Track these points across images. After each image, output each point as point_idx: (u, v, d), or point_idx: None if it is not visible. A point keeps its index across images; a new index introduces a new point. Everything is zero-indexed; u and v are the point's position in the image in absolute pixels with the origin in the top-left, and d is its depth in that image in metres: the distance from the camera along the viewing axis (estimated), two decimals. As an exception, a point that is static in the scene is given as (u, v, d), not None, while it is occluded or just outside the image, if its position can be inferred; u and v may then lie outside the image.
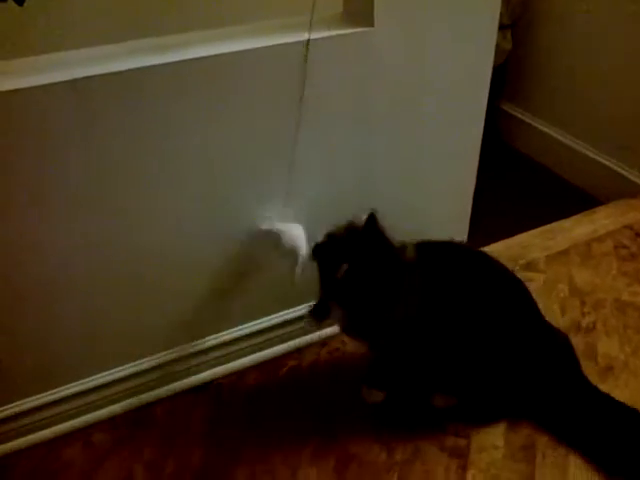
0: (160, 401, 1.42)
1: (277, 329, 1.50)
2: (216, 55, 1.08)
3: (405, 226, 1.14)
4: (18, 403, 1.29)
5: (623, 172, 2.14)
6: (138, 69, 1.04)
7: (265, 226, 1.26)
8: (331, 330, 1.57)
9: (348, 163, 1.33)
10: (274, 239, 1.24)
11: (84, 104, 1.02)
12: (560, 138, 2.34)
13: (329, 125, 1.25)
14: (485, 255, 1.32)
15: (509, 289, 1.30)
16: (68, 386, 1.33)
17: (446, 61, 1.30)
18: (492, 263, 1.30)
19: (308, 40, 1.10)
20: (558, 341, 1.44)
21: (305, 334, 1.54)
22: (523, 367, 1.29)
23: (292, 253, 1.22)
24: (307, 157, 1.26)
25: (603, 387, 1.43)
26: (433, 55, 1.27)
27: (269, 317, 1.47)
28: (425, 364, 1.27)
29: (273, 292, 1.43)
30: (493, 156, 1.49)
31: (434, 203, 1.43)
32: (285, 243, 1.23)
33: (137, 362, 1.37)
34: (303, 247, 1.22)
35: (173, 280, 1.29)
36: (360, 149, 1.32)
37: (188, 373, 1.43)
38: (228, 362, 1.47)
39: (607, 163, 2.19)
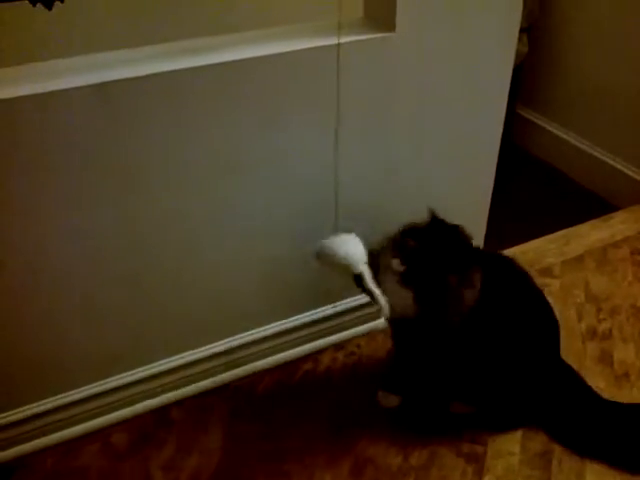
0: (178, 403, 1.43)
1: (294, 332, 1.50)
2: (248, 59, 1.09)
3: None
4: (37, 404, 1.31)
5: (638, 177, 2.14)
6: (168, 72, 1.04)
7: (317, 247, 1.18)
8: (347, 333, 1.58)
9: (374, 169, 1.34)
10: (328, 258, 1.17)
11: (111, 109, 1.03)
12: (575, 143, 2.34)
13: (359, 130, 1.26)
14: (524, 274, 1.31)
15: (536, 308, 1.30)
16: (87, 387, 1.34)
17: (466, 66, 1.30)
18: (525, 280, 1.30)
19: (338, 43, 1.11)
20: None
21: (320, 338, 1.55)
22: (540, 380, 1.30)
23: (349, 267, 1.16)
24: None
25: (619, 394, 1.44)
26: (453, 59, 1.28)
27: (286, 320, 1.48)
28: (450, 370, 1.28)
29: (291, 295, 1.44)
30: (507, 160, 1.50)
31: (451, 207, 1.43)
32: (341, 259, 1.16)
33: (155, 364, 1.38)
34: (362, 258, 1.17)
35: (193, 281, 1.31)
36: (384, 155, 1.33)
37: (206, 375, 1.44)
38: (246, 364, 1.48)
39: (623, 168, 2.18)
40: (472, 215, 1.58)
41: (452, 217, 1.43)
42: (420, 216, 1.20)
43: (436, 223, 1.19)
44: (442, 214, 1.21)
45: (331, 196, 1.28)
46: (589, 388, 1.42)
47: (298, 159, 1.25)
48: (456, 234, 1.18)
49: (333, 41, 1.12)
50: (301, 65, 1.14)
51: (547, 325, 1.30)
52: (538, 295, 1.30)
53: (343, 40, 1.12)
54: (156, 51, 1.11)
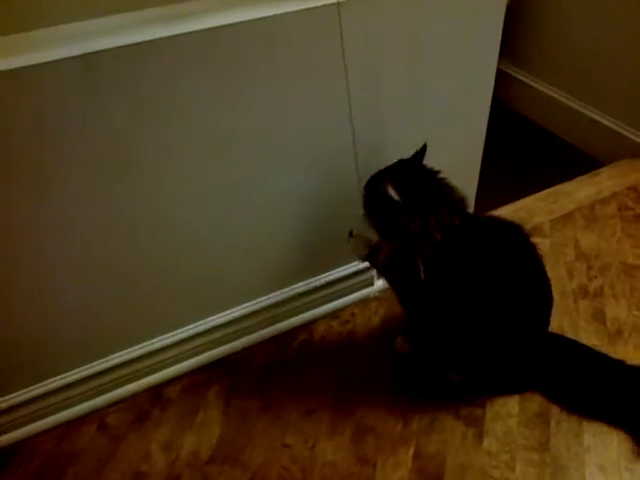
0: (176, 379, 1.41)
1: (288, 302, 1.49)
2: (242, 22, 1.04)
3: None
4: (32, 387, 1.29)
5: (624, 132, 2.12)
6: (158, 39, 0.99)
7: None
8: (341, 302, 1.57)
9: (366, 122, 1.30)
10: None
11: (96, 80, 0.98)
12: (560, 98, 2.31)
13: (362, 85, 1.23)
14: (517, 228, 1.27)
15: (528, 265, 1.27)
16: (81, 369, 1.32)
17: (456, 22, 1.26)
18: (520, 237, 1.27)
19: (338, 2, 1.08)
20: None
21: (316, 307, 1.53)
22: (533, 342, 1.30)
23: None
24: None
25: (613, 351, 1.44)
26: (442, 17, 1.24)
27: (280, 291, 1.46)
28: (445, 330, 1.27)
29: (285, 266, 1.42)
30: (491, 117, 1.47)
31: (443, 167, 1.42)
32: None
33: (149, 342, 1.36)
34: None
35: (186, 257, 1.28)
36: (376, 108, 1.29)
37: (202, 350, 1.43)
38: (242, 337, 1.47)
39: (608, 124, 2.17)
40: (464, 174, 1.56)
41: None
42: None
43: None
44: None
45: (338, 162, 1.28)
46: (583, 345, 1.43)
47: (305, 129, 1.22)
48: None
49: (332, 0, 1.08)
50: (301, 26, 1.09)
51: (540, 289, 1.29)
52: (534, 259, 1.29)
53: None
54: (143, 17, 1.05)
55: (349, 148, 1.29)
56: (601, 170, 2.06)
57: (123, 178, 1.10)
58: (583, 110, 2.23)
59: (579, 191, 1.97)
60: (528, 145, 2.34)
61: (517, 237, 1.24)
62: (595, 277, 1.66)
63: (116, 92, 1.00)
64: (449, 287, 1.18)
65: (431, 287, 1.18)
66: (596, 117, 2.20)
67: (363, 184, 1.21)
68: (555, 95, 2.33)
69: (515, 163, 2.23)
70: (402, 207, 1.13)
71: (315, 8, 1.08)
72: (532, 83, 2.42)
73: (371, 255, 1.30)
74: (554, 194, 1.96)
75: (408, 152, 1.22)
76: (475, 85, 1.41)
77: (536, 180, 2.05)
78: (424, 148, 1.20)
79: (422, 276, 1.14)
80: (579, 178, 2.02)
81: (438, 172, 1.20)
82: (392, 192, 1.13)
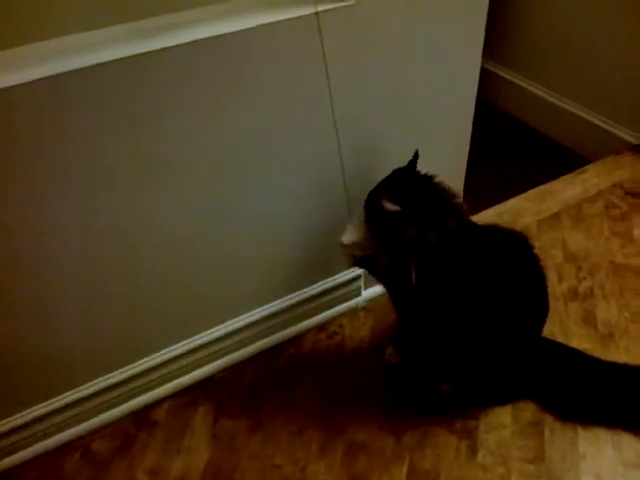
0: (161, 401, 1.38)
1: (274, 317, 1.45)
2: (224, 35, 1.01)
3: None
4: (16, 416, 1.24)
5: (609, 128, 2.11)
6: (132, 57, 0.95)
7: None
8: (329, 313, 1.54)
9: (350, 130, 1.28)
10: None
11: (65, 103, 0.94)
12: (544, 96, 2.29)
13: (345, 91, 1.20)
14: (521, 239, 1.25)
15: (524, 274, 1.23)
16: (61, 397, 1.28)
17: (438, 22, 1.23)
18: (522, 247, 1.24)
19: (317, 12, 1.06)
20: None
21: (303, 320, 1.50)
22: (525, 351, 1.28)
23: None
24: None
25: (605, 355, 1.42)
26: (426, 18, 1.21)
27: (266, 306, 1.43)
28: (438, 338, 1.25)
29: (271, 280, 1.40)
30: (476, 117, 1.45)
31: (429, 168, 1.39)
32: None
33: (131, 365, 1.33)
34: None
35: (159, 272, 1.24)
36: (361, 113, 1.26)
37: (187, 370, 1.39)
38: (227, 355, 1.43)
39: (593, 120, 2.15)
40: (450, 176, 1.52)
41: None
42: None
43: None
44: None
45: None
46: (575, 350, 1.41)
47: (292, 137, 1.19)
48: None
49: (310, 10, 1.05)
50: (283, 37, 1.06)
51: (535, 297, 1.27)
52: (532, 267, 1.26)
53: (321, 8, 1.05)
54: (116, 33, 1.01)
55: (334, 156, 1.26)
56: (587, 168, 2.04)
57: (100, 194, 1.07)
58: (568, 107, 2.22)
59: (565, 190, 1.95)
60: (513, 143, 2.33)
61: (516, 245, 1.22)
62: (584, 278, 1.64)
63: (91, 110, 0.97)
64: (444, 293, 1.16)
65: (426, 292, 1.16)
66: (581, 114, 2.18)
67: (363, 203, 1.19)
68: (539, 92, 2.31)
69: (500, 162, 2.21)
70: (399, 216, 1.11)
71: (294, 19, 1.05)
72: (516, 81, 2.40)
73: (367, 261, 1.27)
74: (540, 194, 1.94)
75: (395, 156, 1.20)
76: (459, 85, 1.38)
77: (522, 179, 2.03)
78: (416, 155, 1.18)
79: (414, 280, 1.12)
80: (565, 177, 2.00)
81: (433, 177, 1.18)
82: (390, 206, 1.11)
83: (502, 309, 1.19)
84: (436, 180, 1.17)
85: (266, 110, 1.12)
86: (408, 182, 1.17)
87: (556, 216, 1.85)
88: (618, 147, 2.08)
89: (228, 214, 1.23)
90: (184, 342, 1.36)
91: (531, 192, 1.95)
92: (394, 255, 1.16)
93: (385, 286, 1.30)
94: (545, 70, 2.28)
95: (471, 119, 1.46)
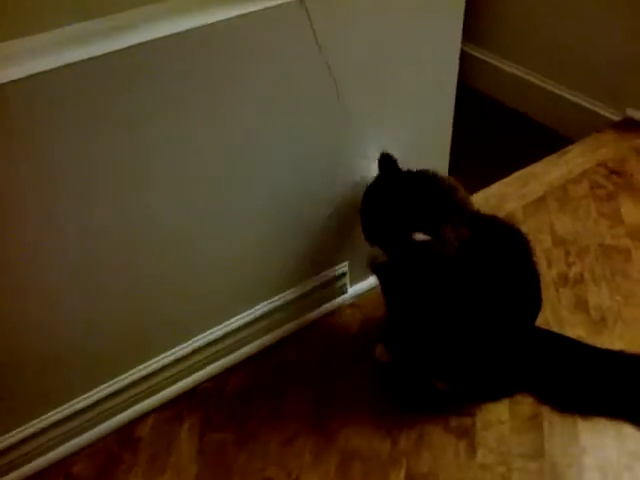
0: (144, 417, 1.31)
1: (258, 322, 1.39)
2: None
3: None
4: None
5: (590, 106, 2.08)
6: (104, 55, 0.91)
7: None
8: (315, 313, 1.48)
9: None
10: None
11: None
12: (522, 75, 2.25)
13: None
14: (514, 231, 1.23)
15: (517, 264, 1.20)
16: (44, 417, 1.21)
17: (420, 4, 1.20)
18: (515, 239, 1.21)
19: None
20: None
21: (287, 323, 1.44)
22: (521, 345, 1.24)
23: None
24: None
25: (599, 340, 1.39)
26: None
27: (248, 311, 1.37)
28: (432, 335, 1.21)
29: (254, 283, 1.34)
30: (456, 100, 1.42)
31: (412, 154, 1.34)
32: None
33: (115, 380, 1.26)
34: None
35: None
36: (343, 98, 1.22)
37: (169, 383, 1.33)
38: (209, 364, 1.37)
39: (572, 98, 2.12)
40: (433, 162, 1.48)
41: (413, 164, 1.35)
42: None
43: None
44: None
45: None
46: (569, 339, 1.37)
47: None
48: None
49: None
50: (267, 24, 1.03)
51: (528, 287, 1.23)
52: (524, 256, 1.22)
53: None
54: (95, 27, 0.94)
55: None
56: (569, 148, 2.00)
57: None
58: (548, 87, 2.18)
59: (549, 172, 1.90)
60: (493, 125, 2.28)
61: (509, 237, 1.20)
62: (574, 263, 1.61)
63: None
64: (441, 287, 1.13)
65: (425, 289, 1.14)
66: (561, 93, 2.15)
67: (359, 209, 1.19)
68: (518, 73, 2.27)
69: (481, 144, 2.16)
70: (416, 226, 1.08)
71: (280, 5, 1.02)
72: (493, 62, 2.35)
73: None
74: (524, 177, 1.90)
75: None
76: (441, 66, 1.35)
77: (504, 160, 1.99)
78: (389, 156, 1.16)
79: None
80: (548, 158, 1.96)
81: (433, 174, 1.14)
82: (421, 237, 1.07)
83: (496, 300, 1.15)
84: (432, 174, 1.14)
85: (268, 107, 1.11)
86: (412, 185, 1.13)
87: (542, 199, 1.81)
88: (600, 125, 2.04)
89: (213, 219, 1.19)
90: (162, 355, 1.29)
91: (514, 175, 1.90)
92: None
93: (386, 289, 1.26)
94: (523, 50, 2.24)
95: (453, 100, 1.43)
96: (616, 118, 2.05)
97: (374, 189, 1.18)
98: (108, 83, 0.94)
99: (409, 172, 1.16)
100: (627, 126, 2.02)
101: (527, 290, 1.21)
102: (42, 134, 0.92)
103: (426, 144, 1.42)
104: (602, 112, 2.07)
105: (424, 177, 1.14)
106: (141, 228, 1.11)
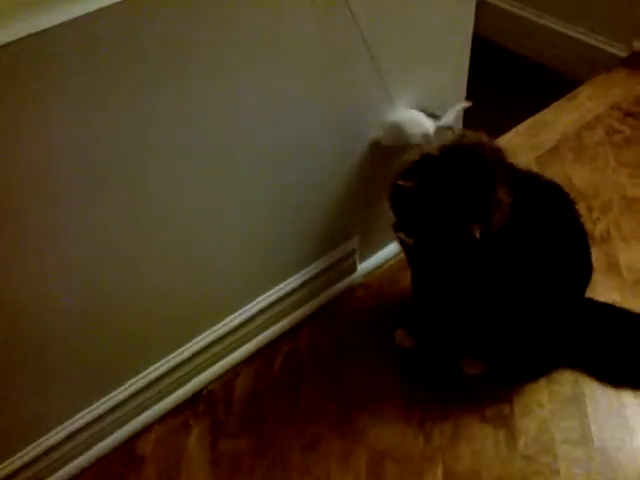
0: (147, 429, 1.18)
1: (265, 312, 1.26)
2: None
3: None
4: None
5: (593, 42, 1.93)
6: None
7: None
8: (325, 295, 1.35)
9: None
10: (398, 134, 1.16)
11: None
12: (520, 12, 2.08)
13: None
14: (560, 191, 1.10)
15: (568, 229, 1.10)
16: (40, 441, 1.07)
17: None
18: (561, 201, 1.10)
19: None
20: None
21: (295, 310, 1.31)
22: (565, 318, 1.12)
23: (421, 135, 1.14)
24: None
25: (637, 305, 1.28)
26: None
27: (250, 304, 1.23)
28: (467, 311, 1.11)
29: (260, 270, 1.21)
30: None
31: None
32: (410, 129, 1.15)
33: (115, 392, 1.12)
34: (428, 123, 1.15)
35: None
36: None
37: (171, 389, 1.19)
38: (214, 364, 1.23)
39: (575, 35, 1.96)
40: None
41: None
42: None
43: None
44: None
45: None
46: (607, 305, 1.26)
47: None
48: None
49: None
50: None
51: (578, 255, 1.12)
52: (575, 229, 1.11)
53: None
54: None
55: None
56: (578, 90, 1.85)
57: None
58: (548, 23, 2.01)
59: (560, 118, 1.76)
60: (496, 70, 2.10)
61: (557, 198, 1.09)
62: (599, 219, 1.48)
63: None
64: (481, 255, 0.99)
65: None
66: (562, 30, 1.98)
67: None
68: (515, 10, 2.09)
69: (487, 90, 1.99)
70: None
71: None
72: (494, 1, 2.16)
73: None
74: (535, 126, 1.75)
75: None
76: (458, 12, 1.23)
77: (511, 107, 1.84)
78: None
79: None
80: (557, 103, 1.81)
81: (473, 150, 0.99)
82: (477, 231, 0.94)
83: (546, 268, 1.04)
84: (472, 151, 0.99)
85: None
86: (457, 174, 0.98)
87: (555, 149, 1.67)
88: (609, 64, 1.89)
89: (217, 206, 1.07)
90: (163, 360, 1.15)
91: (524, 124, 1.76)
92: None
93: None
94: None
95: (469, 46, 1.33)
96: (623, 54, 1.90)
97: (415, 181, 1.01)
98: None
99: (450, 155, 0.99)
100: (637, 61, 1.87)
101: (577, 255, 1.11)
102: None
103: (440, 94, 1.28)
104: (608, 48, 1.92)
105: (466, 159, 0.98)
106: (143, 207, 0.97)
